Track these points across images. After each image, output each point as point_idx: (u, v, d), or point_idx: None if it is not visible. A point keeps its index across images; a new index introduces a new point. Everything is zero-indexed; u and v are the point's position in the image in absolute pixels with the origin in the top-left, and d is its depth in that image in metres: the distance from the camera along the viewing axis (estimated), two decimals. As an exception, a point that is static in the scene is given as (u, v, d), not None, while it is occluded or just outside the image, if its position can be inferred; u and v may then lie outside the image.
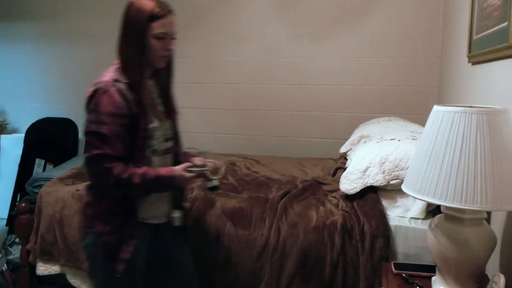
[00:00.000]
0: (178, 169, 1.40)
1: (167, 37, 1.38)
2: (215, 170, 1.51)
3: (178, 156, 1.57)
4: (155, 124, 1.42)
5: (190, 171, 1.42)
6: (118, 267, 1.37)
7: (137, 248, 1.41)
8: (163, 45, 1.38)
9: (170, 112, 1.53)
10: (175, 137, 1.57)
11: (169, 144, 1.53)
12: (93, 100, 1.33)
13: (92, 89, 1.34)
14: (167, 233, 1.56)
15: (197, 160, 1.51)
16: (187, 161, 1.50)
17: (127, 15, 1.36)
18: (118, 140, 1.31)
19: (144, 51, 1.35)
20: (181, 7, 3.47)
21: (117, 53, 1.40)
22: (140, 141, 1.37)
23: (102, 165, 1.30)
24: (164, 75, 1.50)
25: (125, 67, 1.37)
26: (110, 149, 1.30)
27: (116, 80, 1.34)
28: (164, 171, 1.39)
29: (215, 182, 1.50)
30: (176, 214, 1.54)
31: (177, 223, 1.54)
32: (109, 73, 1.38)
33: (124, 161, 1.33)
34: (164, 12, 1.35)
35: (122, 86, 1.34)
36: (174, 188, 1.49)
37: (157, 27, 1.34)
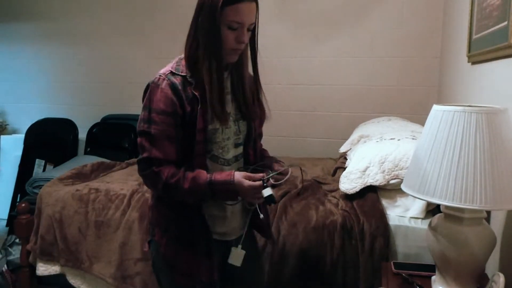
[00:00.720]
0: (238, 174, 1.16)
1: (241, 27, 1.15)
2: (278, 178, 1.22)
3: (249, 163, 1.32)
4: (215, 125, 1.21)
5: (253, 179, 1.16)
6: (180, 280, 1.24)
7: (204, 263, 1.24)
8: (235, 36, 1.16)
9: (246, 113, 1.30)
10: (250, 142, 1.33)
11: (239, 150, 1.31)
12: (146, 96, 1.18)
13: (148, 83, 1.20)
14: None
15: (276, 166, 1.28)
16: (269, 167, 1.27)
17: None
18: (168, 142, 1.16)
19: (213, 40, 1.15)
20: (181, 7, 3.45)
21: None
22: (198, 146, 1.18)
23: (151, 169, 1.15)
24: (236, 70, 1.27)
25: (188, 58, 1.19)
26: (159, 152, 1.15)
27: (172, 73, 1.18)
28: (220, 175, 1.16)
29: (266, 193, 1.14)
30: (237, 251, 1.30)
31: (232, 261, 1.30)
32: (170, 64, 1.22)
33: (177, 165, 1.17)
34: None
35: (176, 79, 1.17)
36: (236, 198, 1.21)
37: (229, 14, 1.12)
